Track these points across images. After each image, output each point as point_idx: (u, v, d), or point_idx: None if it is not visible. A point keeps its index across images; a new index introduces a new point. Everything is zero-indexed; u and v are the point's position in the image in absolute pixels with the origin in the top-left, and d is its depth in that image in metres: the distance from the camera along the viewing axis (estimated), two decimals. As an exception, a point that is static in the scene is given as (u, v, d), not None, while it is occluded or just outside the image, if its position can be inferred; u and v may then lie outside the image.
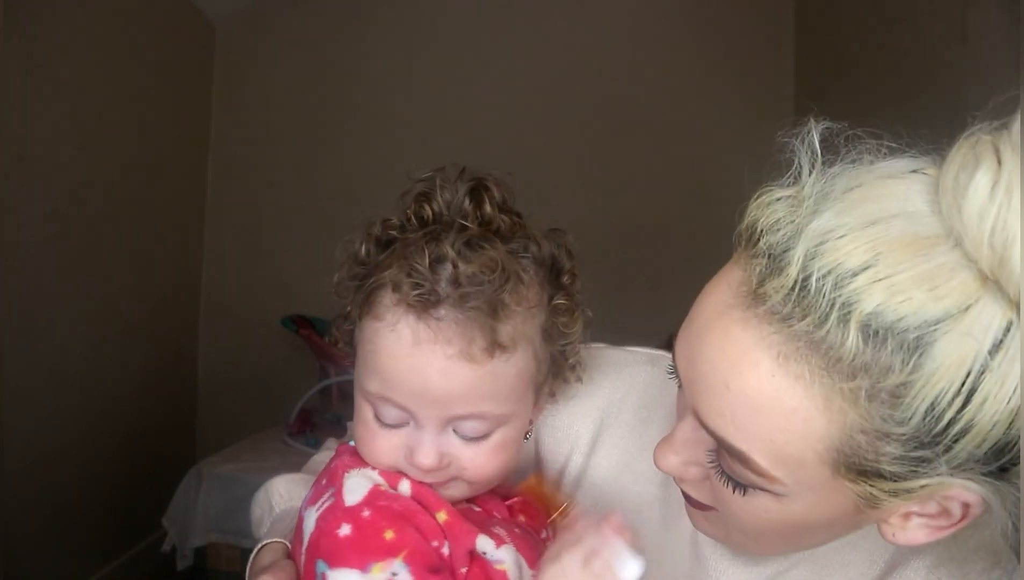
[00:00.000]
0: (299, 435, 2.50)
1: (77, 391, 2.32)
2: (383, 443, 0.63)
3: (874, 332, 0.43)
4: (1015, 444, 0.44)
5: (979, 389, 0.42)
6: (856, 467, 0.47)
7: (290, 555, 0.68)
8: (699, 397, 0.51)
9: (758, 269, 0.47)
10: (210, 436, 3.03)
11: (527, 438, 0.73)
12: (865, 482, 0.47)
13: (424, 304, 0.59)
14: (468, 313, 0.59)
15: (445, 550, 0.61)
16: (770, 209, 0.49)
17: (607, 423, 0.74)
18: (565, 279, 0.66)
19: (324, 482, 0.67)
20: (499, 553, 0.63)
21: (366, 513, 0.61)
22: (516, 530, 0.67)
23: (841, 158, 0.48)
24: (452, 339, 0.59)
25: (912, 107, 1.83)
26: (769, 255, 0.47)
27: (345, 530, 0.60)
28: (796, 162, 0.49)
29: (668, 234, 2.97)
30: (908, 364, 0.42)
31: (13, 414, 1.98)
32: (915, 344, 0.42)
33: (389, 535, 0.60)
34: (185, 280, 3.10)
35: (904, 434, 0.44)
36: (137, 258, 2.64)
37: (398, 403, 0.61)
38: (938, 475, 0.45)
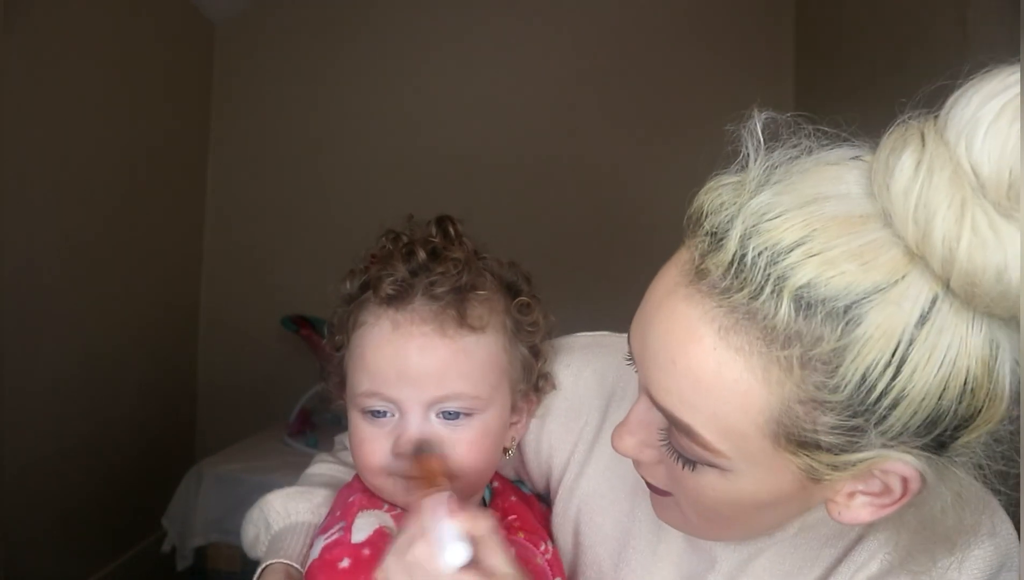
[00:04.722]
0: (299, 435, 2.50)
1: (77, 391, 2.32)
2: (371, 443, 0.68)
3: (806, 303, 0.45)
4: (947, 416, 0.46)
5: (908, 360, 0.44)
6: (796, 438, 0.48)
7: (292, 577, 0.70)
8: (649, 374, 0.53)
9: (700, 247, 0.50)
10: (210, 436, 3.03)
11: (507, 454, 0.77)
12: (805, 454, 0.49)
13: (400, 296, 0.67)
14: (437, 298, 0.67)
15: None
16: (715, 193, 0.51)
17: (611, 408, 0.76)
18: (524, 298, 0.74)
19: (338, 514, 0.70)
20: None
21: (366, 551, 0.64)
22: (512, 550, 0.69)
23: (783, 144, 0.51)
24: (427, 319, 0.66)
25: (912, 107, 1.83)
26: (712, 234, 0.49)
27: (345, 563, 0.64)
28: (743, 151, 0.51)
29: (667, 234, 2.97)
30: (838, 332, 0.44)
31: (14, 414, 1.98)
32: (845, 314, 0.44)
33: None
34: (185, 280, 3.10)
35: (839, 402, 0.46)
36: (137, 258, 2.64)
37: (384, 394, 0.67)
38: (874, 448, 0.47)
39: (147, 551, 2.63)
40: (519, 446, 0.80)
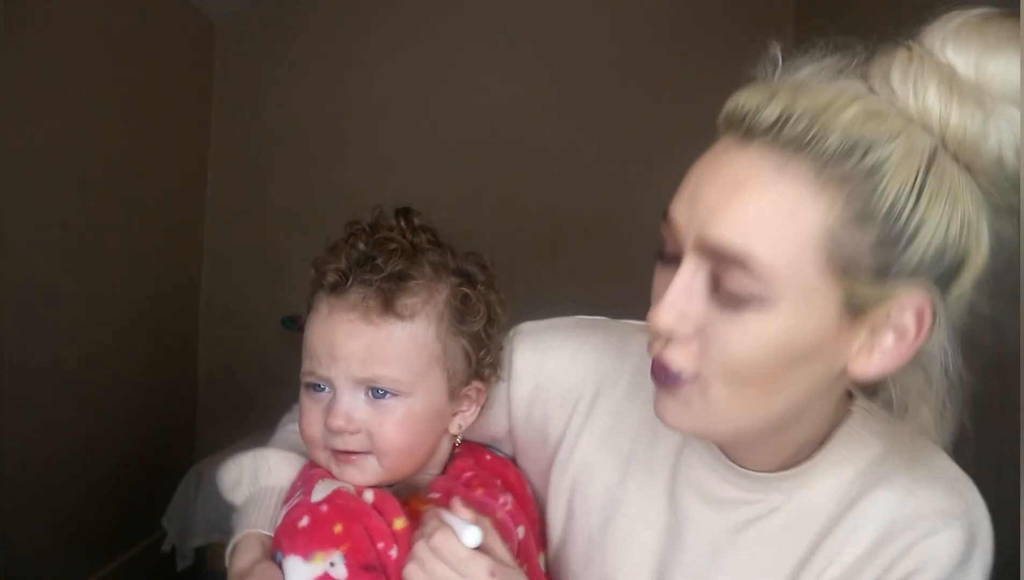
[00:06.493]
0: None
1: (77, 391, 2.32)
2: (308, 415, 0.75)
3: (850, 139, 0.55)
4: (952, 249, 0.56)
5: (926, 188, 0.55)
6: (840, 260, 0.56)
7: (269, 547, 0.72)
8: (702, 220, 0.58)
9: (747, 110, 0.58)
10: (210, 436, 3.03)
11: (457, 446, 0.81)
12: (847, 280, 0.56)
13: (337, 284, 0.73)
14: (367, 285, 0.72)
15: (393, 552, 0.68)
16: (747, 93, 0.60)
17: (604, 386, 0.80)
18: (479, 287, 0.78)
19: (299, 484, 0.75)
20: None
21: (324, 508, 0.69)
22: (508, 544, 0.74)
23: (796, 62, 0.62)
24: (355, 306, 0.72)
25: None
26: (756, 105, 0.58)
27: (304, 522, 0.68)
28: (761, 70, 0.63)
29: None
30: (876, 157, 0.55)
31: (13, 414, 1.98)
32: (878, 146, 0.55)
33: (338, 528, 0.67)
34: (185, 280, 3.10)
35: (878, 220, 0.55)
36: (137, 258, 2.64)
37: (317, 372, 0.73)
38: (901, 278, 0.56)
39: (147, 551, 2.63)
40: (509, 411, 0.83)
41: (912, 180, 0.55)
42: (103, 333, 2.44)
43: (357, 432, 0.72)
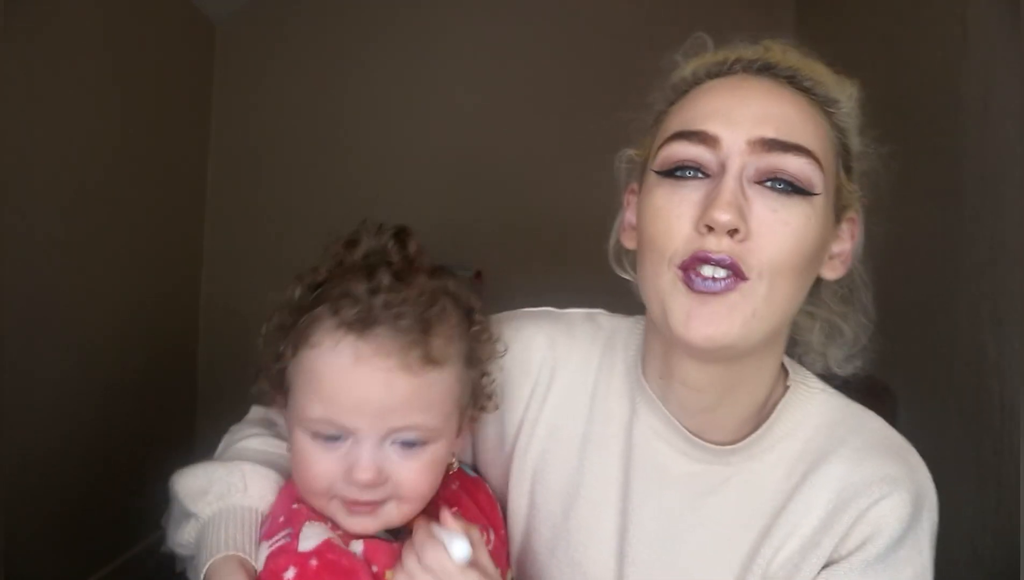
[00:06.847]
0: (299, 435, 2.50)
1: (77, 391, 2.32)
2: (320, 466, 0.67)
3: (832, 80, 0.73)
4: (869, 175, 0.75)
5: (850, 132, 0.74)
6: (843, 160, 0.72)
7: (252, 573, 0.67)
8: (753, 125, 0.67)
9: (749, 55, 0.74)
10: (210, 436, 3.02)
11: (452, 469, 0.79)
12: (843, 178, 0.72)
13: (363, 323, 0.65)
14: (402, 331, 0.65)
15: None
16: (712, 53, 0.79)
17: (556, 374, 0.82)
18: (476, 316, 0.75)
19: (282, 520, 0.70)
20: None
21: (313, 562, 0.64)
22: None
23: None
24: (391, 353, 0.65)
25: (912, 107, 1.83)
26: (755, 54, 0.75)
27: (290, 574, 0.63)
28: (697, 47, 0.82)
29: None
30: (843, 93, 0.73)
31: (13, 414, 1.98)
32: (844, 88, 0.73)
33: None
34: (185, 280, 3.10)
35: (848, 131, 0.72)
36: (137, 258, 2.64)
37: (339, 423, 0.66)
38: (854, 188, 0.73)
39: (147, 551, 2.63)
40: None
41: (854, 114, 0.73)
42: (103, 333, 2.44)
43: (385, 483, 0.67)
